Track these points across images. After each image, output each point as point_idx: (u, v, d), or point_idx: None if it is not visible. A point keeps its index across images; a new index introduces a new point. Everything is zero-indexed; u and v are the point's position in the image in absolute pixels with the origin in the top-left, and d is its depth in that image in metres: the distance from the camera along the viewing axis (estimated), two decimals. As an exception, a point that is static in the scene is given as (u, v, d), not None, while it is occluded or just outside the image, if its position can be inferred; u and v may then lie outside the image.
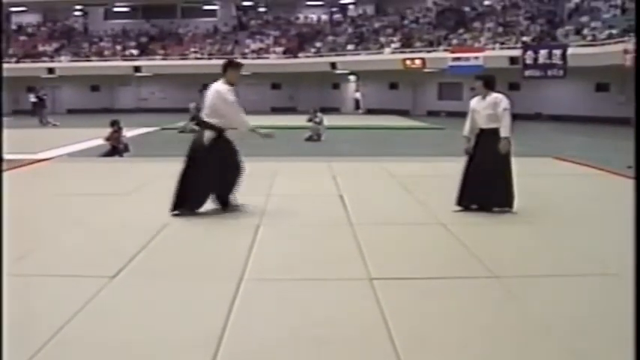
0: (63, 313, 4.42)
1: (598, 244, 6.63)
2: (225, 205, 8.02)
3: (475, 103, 8.31)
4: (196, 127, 28.14)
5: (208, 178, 7.72)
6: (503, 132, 7.94)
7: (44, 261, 5.83)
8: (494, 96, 8.06)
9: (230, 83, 7.86)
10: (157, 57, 49.48)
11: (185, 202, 7.77)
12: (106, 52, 50.32)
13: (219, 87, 7.77)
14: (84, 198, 9.21)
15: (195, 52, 49.88)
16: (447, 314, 4.54)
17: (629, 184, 10.58)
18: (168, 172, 11.68)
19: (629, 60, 30.30)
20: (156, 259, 5.94)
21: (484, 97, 8.14)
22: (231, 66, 7.96)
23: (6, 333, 3.79)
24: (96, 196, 9.33)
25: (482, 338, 4.15)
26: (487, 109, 8.07)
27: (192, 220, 7.65)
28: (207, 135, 7.75)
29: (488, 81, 8.24)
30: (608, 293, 5.02)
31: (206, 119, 7.80)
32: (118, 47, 51.17)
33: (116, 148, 15.50)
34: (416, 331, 4.25)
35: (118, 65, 48.56)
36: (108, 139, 15.61)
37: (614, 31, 33.58)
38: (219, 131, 7.75)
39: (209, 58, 48.89)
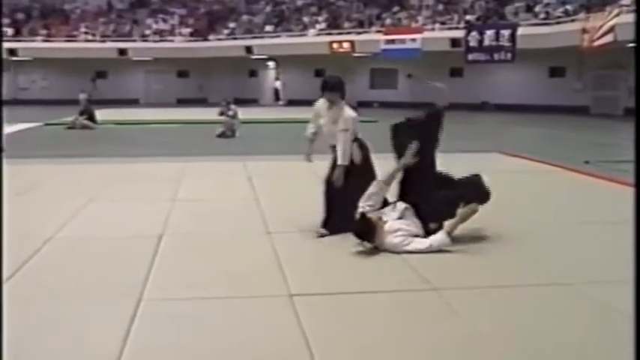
0: None
1: (549, 250, 6.83)
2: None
3: (321, 109, 7.73)
4: (88, 122, 27.53)
5: None
6: (340, 158, 7.36)
7: None
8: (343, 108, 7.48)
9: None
10: (38, 38, 48.41)
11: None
12: (-25, 33, 49.06)
13: None
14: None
15: (85, 32, 49.03)
16: (380, 333, 4.60)
17: (587, 182, 10.93)
18: (51, 176, 11.52)
19: (587, 40, 30.88)
20: (36, 279, 5.82)
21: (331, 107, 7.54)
22: None
23: None
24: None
25: (420, 358, 4.24)
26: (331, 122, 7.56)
27: (80, 233, 7.57)
28: None
29: (342, 88, 7.59)
30: (559, 305, 5.18)
31: None
32: (-10, 26, 49.96)
33: (-12, 148, 15.15)
34: (344, 353, 4.30)
35: (-11, 48, 47.44)
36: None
37: (569, 7, 34.22)
38: None
39: (102, 41, 48.19)
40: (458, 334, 4.58)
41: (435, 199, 6.98)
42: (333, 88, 7.45)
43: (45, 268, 6.18)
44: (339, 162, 7.30)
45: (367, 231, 6.69)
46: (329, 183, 7.52)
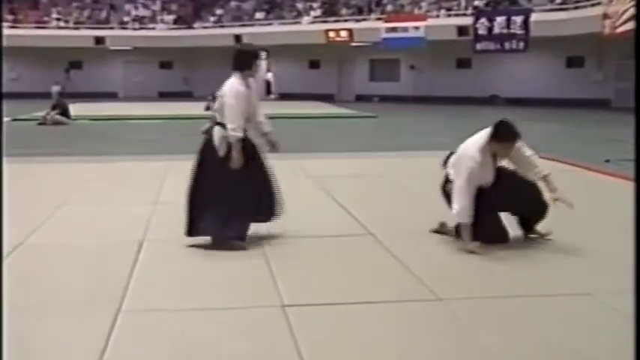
0: None
1: (564, 257, 6.86)
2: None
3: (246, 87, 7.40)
4: (60, 118, 27.36)
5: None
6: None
7: None
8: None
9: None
10: (5, 24, 48.18)
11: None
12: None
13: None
14: None
15: (57, 19, 49.01)
16: (379, 347, 4.62)
17: (608, 183, 10.94)
18: (19, 177, 11.49)
19: (608, 27, 30.66)
20: (4, 289, 5.82)
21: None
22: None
23: None
24: None
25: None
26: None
27: (52, 238, 7.57)
28: None
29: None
30: (574, 316, 5.21)
31: None
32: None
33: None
34: (340, 369, 4.33)
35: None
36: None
37: (589, -9, 34.19)
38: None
39: (76, 28, 48.11)
40: (464, 348, 4.60)
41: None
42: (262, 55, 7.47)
43: (13, 277, 6.16)
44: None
45: None
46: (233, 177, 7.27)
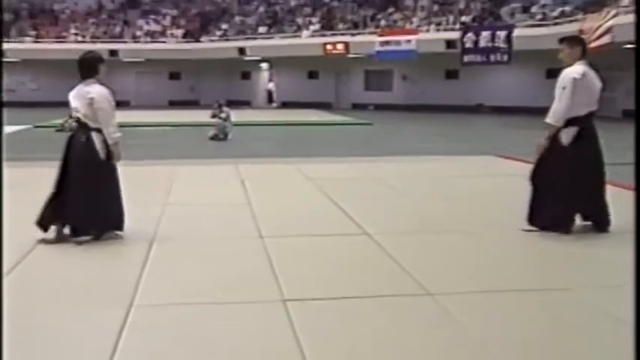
0: None
1: (545, 255, 6.82)
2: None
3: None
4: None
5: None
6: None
7: None
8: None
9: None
10: (27, 39, 48.34)
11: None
12: (-37, 34, 48.93)
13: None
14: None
15: (75, 33, 48.99)
16: (374, 339, 4.59)
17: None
18: (39, 178, 11.46)
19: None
20: (23, 286, 5.79)
21: None
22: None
23: None
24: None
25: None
26: None
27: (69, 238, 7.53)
28: None
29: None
30: (556, 310, 5.18)
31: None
32: (-22, 28, 49.83)
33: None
34: (337, 360, 4.30)
35: (-22, 50, 47.26)
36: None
37: (567, 9, 34.25)
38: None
39: (93, 42, 48.07)
40: (455, 342, 4.56)
41: None
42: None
43: (31, 274, 6.14)
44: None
45: None
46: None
